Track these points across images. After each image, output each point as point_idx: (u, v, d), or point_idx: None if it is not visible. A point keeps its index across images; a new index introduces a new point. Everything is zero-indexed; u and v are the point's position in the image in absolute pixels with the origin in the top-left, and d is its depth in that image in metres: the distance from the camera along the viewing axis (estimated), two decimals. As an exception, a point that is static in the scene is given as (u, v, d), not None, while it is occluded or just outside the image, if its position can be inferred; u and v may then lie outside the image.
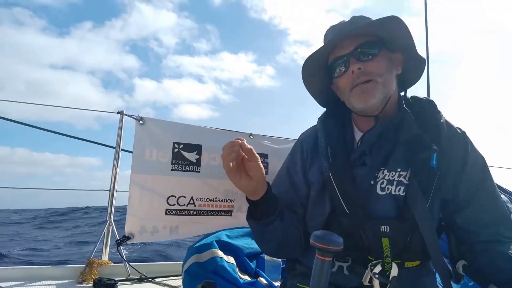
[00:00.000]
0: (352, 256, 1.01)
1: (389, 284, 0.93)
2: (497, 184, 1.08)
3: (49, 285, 1.57)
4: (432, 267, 1.09)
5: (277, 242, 1.08)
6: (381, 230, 0.96)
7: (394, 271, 0.95)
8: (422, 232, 0.95)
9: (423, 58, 1.06)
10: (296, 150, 1.18)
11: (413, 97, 1.12)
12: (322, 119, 1.14)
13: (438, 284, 1.13)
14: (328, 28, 1.08)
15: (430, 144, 0.97)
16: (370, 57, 0.97)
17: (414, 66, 1.08)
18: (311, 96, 1.18)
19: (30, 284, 1.57)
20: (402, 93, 1.12)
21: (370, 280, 0.96)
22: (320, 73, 1.09)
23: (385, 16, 0.96)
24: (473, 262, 0.99)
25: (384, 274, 0.95)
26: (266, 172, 1.99)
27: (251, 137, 2.05)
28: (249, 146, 0.96)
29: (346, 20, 1.05)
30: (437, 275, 1.06)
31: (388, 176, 1.00)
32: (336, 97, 1.13)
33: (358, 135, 1.08)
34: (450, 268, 1.04)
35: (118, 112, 1.87)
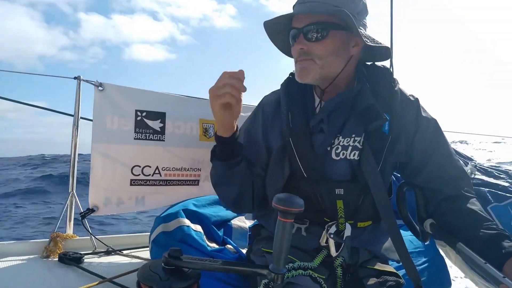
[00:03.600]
0: (310, 218, 1.07)
1: (343, 243, 0.99)
2: (490, 165, 1.13)
3: (13, 260, 1.52)
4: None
5: (237, 188, 1.11)
6: (336, 192, 1.03)
7: (348, 231, 1.01)
8: (373, 193, 1.01)
9: (385, 47, 1.06)
10: (257, 114, 1.19)
11: (372, 65, 1.15)
12: (285, 85, 1.15)
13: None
14: None
15: (381, 114, 1.01)
16: (316, 38, 0.99)
17: (378, 52, 1.10)
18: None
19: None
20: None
21: (327, 241, 1.01)
22: (284, 33, 1.09)
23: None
24: (440, 220, 1.04)
25: (338, 234, 1.01)
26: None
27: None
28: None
29: None
30: None
31: (343, 142, 1.05)
32: None
33: (317, 101, 1.12)
34: (418, 227, 1.08)
35: (75, 78, 1.76)
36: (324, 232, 1.02)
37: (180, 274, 0.83)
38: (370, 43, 1.01)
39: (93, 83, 1.69)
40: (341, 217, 1.03)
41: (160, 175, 1.78)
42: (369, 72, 1.12)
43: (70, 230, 1.76)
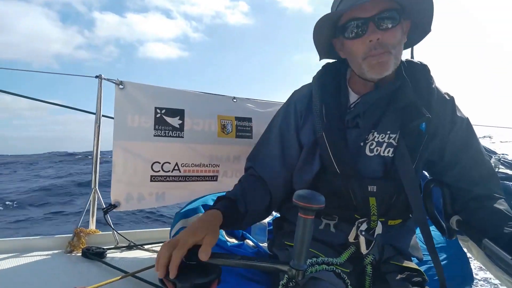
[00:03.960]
0: (339, 215, 1.04)
1: (374, 241, 0.97)
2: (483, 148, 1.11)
3: (37, 256, 1.56)
4: (413, 225, 1.15)
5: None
6: (369, 189, 1.00)
7: (379, 229, 0.99)
8: (407, 190, 0.98)
9: (430, 28, 1.02)
10: (290, 109, 1.14)
11: (408, 61, 1.10)
12: (318, 78, 1.11)
13: (418, 240, 1.18)
14: None
15: (423, 112, 0.97)
16: (390, 26, 0.91)
17: (418, 34, 1.06)
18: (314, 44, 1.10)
19: (21, 256, 1.56)
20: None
21: (356, 238, 1.00)
22: (328, 26, 1.02)
23: None
24: (466, 218, 1.03)
25: (369, 231, 0.99)
26: (250, 136, 1.98)
27: (235, 100, 2.01)
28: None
29: None
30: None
31: (378, 138, 1.02)
32: (333, 53, 1.10)
33: (352, 96, 1.07)
34: (444, 224, 1.07)
35: (96, 76, 1.80)
36: (354, 228, 1.00)
37: (202, 269, 0.84)
38: (418, 21, 0.98)
39: (114, 81, 1.72)
40: (373, 214, 1.00)
41: (180, 171, 1.81)
42: (407, 68, 1.07)
43: (93, 225, 1.81)
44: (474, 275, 1.55)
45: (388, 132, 1.02)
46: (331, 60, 1.17)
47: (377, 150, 1.02)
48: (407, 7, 0.96)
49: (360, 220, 1.00)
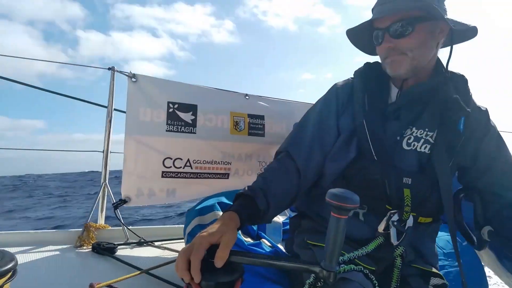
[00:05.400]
0: (370, 204, 1.03)
1: (404, 233, 0.97)
2: None
3: (47, 251, 1.53)
4: (437, 231, 1.15)
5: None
6: (404, 181, 1.01)
7: (410, 222, 0.99)
8: (441, 187, 0.99)
9: (473, 27, 1.03)
10: (331, 96, 1.16)
11: (449, 70, 1.12)
12: (361, 70, 1.16)
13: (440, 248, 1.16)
14: None
15: (463, 106, 1.01)
16: (403, 34, 0.99)
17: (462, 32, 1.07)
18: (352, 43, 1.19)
19: (31, 251, 1.53)
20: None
21: (385, 229, 0.98)
22: (366, 33, 1.11)
23: None
24: (501, 227, 1.03)
25: (399, 224, 0.98)
26: (262, 134, 1.96)
27: (247, 97, 1.99)
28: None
29: None
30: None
31: (416, 133, 1.04)
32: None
33: (393, 90, 1.10)
34: (474, 235, 1.06)
35: (109, 68, 1.77)
36: (385, 218, 0.98)
37: (226, 267, 0.82)
38: (458, 27, 1.00)
39: (127, 74, 1.70)
40: (407, 205, 1.00)
41: (191, 168, 1.78)
42: (449, 74, 1.10)
43: (102, 220, 1.78)
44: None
45: (426, 129, 1.04)
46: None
47: (414, 145, 1.04)
48: (430, 13, 0.97)
49: (392, 211, 0.99)
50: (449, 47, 1.06)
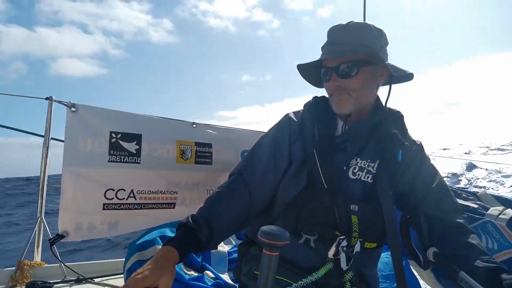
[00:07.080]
0: (320, 231, 1.07)
1: (353, 258, 1.01)
2: (459, 187, 1.19)
3: None
4: (379, 256, 1.22)
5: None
6: (351, 208, 1.07)
7: (357, 247, 1.04)
8: (384, 213, 1.05)
9: (410, 74, 1.15)
10: (285, 125, 1.21)
11: (388, 108, 1.23)
12: (311, 104, 1.23)
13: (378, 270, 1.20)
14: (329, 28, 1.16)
15: (402, 140, 1.11)
16: (348, 75, 1.08)
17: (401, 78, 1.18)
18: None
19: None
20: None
21: (335, 254, 1.01)
22: (313, 67, 1.19)
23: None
24: (443, 249, 1.07)
25: (348, 249, 1.02)
26: (210, 162, 1.96)
27: (194, 126, 1.99)
28: None
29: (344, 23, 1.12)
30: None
31: (360, 164, 1.12)
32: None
33: (339, 123, 1.18)
34: (421, 256, 1.11)
35: (47, 98, 1.70)
36: (335, 244, 1.02)
37: None
38: (396, 73, 1.09)
39: (66, 104, 1.64)
40: (355, 231, 1.05)
41: (135, 199, 1.73)
42: (388, 111, 1.21)
43: (38, 257, 1.67)
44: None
45: (369, 160, 1.13)
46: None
47: (358, 174, 1.11)
48: (373, 58, 1.08)
49: (341, 237, 1.03)
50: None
